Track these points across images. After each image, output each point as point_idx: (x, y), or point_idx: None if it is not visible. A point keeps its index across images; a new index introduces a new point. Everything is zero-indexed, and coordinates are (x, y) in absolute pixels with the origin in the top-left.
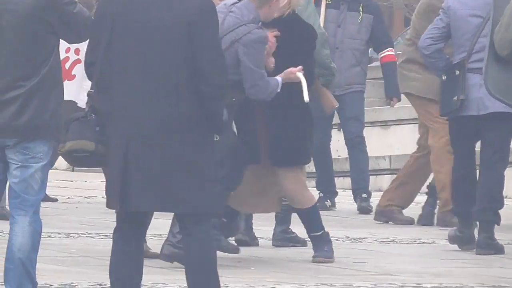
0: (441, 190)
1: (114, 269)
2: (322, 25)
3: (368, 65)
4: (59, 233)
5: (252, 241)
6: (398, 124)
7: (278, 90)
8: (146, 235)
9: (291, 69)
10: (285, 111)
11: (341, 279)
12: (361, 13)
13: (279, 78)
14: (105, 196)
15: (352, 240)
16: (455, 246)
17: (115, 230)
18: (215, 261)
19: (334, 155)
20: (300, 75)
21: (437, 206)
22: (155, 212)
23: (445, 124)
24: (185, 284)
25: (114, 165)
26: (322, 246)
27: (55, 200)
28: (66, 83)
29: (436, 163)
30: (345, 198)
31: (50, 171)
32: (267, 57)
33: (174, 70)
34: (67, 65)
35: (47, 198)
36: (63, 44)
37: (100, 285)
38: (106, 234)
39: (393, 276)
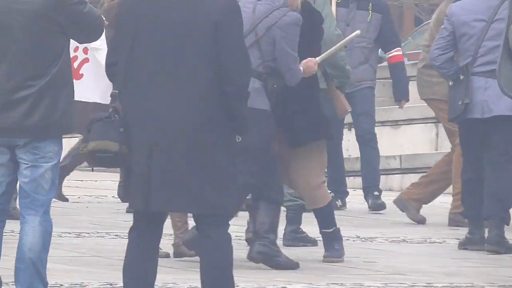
0: (457, 192)
1: (128, 269)
2: None
3: (378, 65)
4: (69, 233)
5: None
6: (408, 124)
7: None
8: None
9: (310, 60)
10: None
11: (351, 279)
12: (370, 12)
13: (301, 67)
14: (115, 196)
15: (363, 239)
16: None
17: (132, 229)
18: (232, 264)
19: (344, 154)
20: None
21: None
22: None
23: None
24: (196, 284)
25: (137, 166)
26: (333, 244)
27: (66, 200)
28: (74, 82)
29: (457, 166)
30: (355, 198)
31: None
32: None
33: (198, 70)
34: (75, 64)
35: (61, 198)
36: (71, 43)
37: (111, 284)
38: (116, 233)
39: (404, 276)
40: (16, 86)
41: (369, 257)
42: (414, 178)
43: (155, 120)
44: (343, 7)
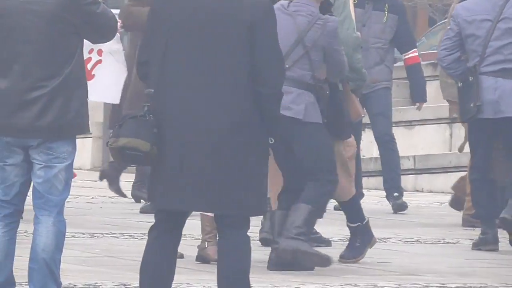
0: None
1: (146, 269)
2: None
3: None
4: (83, 233)
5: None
6: (422, 124)
7: None
8: None
9: None
10: None
11: (365, 279)
12: (386, 12)
13: None
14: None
15: (377, 240)
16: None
17: (152, 229)
18: (249, 267)
19: None
20: None
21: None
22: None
23: None
24: (209, 285)
25: (168, 165)
26: (355, 241)
27: (125, 196)
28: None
29: None
30: (369, 198)
31: (74, 171)
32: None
33: (232, 71)
34: (89, 66)
35: (120, 193)
36: (86, 45)
37: (125, 285)
38: (130, 234)
39: (418, 276)
40: (30, 87)
41: (383, 258)
42: (428, 178)
43: (188, 120)
44: (359, 8)
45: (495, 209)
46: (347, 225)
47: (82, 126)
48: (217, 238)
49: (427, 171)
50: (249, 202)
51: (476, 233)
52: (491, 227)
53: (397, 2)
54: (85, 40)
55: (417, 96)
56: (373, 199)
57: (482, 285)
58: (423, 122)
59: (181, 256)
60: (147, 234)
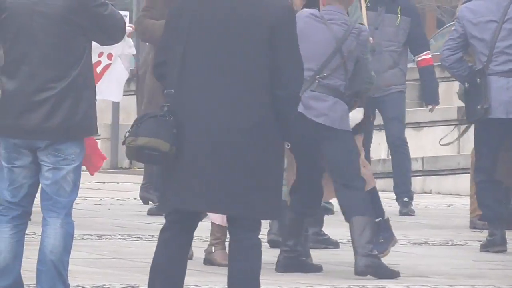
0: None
1: (157, 270)
2: None
3: None
4: (91, 235)
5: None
6: (430, 126)
7: None
8: None
9: None
10: None
11: (373, 281)
12: (399, 15)
13: None
14: (137, 198)
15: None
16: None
17: (164, 230)
18: (260, 269)
19: None
20: None
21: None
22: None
23: None
24: (218, 287)
25: (185, 165)
26: (377, 238)
27: None
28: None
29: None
30: None
31: (82, 172)
32: None
33: (251, 73)
34: (98, 69)
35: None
36: (96, 48)
37: (133, 287)
38: (138, 236)
39: (426, 278)
40: (38, 88)
41: (391, 259)
42: (436, 180)
43: (206, 121)
44: (372, 11)
45: (502, 210)
46: None
47: (90, 127)
48: (226, 242)
49: (435, 173)
50: (266, 205)
51: (484, 235)
52: (499, 229)
53: (410, 4)
54: (94, 43)
55: (430, 98)
56: (381, 201)
57: (490, 287)
58: (432, 123)
59: (190, 257)
60: (155, 236)
